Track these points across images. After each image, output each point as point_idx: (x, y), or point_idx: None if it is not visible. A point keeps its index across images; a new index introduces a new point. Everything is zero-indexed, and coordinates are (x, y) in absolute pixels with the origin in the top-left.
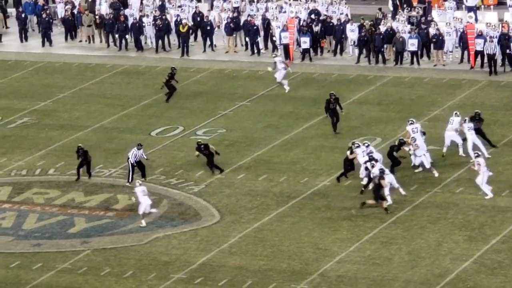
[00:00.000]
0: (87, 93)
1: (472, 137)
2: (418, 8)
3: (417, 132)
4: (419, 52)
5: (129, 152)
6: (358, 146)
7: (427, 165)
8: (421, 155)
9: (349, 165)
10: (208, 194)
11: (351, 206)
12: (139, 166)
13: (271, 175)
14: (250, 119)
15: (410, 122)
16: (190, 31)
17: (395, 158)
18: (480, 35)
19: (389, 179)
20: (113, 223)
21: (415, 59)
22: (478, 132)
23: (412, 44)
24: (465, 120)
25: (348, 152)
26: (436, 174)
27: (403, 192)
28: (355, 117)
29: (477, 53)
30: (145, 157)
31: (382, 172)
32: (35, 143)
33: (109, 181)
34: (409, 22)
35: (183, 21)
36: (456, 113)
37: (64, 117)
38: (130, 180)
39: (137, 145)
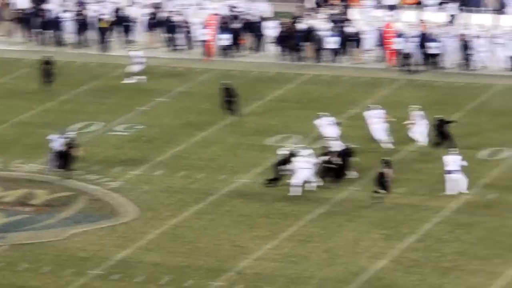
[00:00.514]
0: (5, 88)
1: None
2: (338, 7)
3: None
4: (338, 50)
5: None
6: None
7: None
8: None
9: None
10: (126, 190)
11: (268, 204)
12: (62, 156)
13: (189, 172)
14: (168, 116)
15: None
16: (110, 26)
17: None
18: (398, 34)
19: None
20: (31, 218)
21: (334, 57)
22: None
23: (332, 42)
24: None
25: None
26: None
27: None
28: (273, 115)
29: (396, 51)
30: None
31: (387, 162)
32: None
33: (27, 176)
34: (329, 20)
35: (103, 17)
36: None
37: None
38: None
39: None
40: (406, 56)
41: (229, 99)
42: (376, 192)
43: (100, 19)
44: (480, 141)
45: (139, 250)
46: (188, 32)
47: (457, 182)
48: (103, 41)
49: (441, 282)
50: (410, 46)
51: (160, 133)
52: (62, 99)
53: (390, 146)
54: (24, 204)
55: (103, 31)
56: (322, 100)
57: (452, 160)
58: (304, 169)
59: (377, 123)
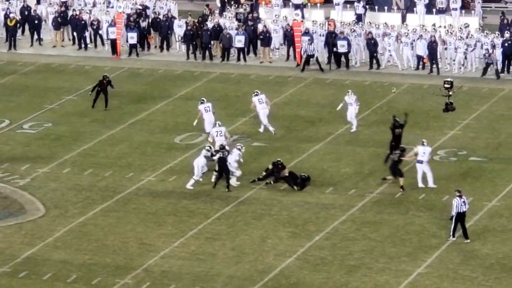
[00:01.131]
0: None
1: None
2: (245, 5)
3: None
4: (245, 49)
5: None
6: None
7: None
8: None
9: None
10: (33, 188)
11: (176, 202)
12: None
13: (97, 169)
14: (76, 114)
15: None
16: (18, 25)
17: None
18: (306, 33)
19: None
20: None
21: (241, 55)
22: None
23: (239, 41)
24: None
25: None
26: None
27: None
28: (181, 113)
29: (303, 50)
30: None
31: (403, 150)
32: None
33: None
34: (236, 19)
35: (11, 15)
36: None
37: None
38: None
39: None
40: (311, 56)
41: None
42: (384, 179)
43: (7, 17)
44: (387, 139)
45: (46, 248)
46: (96, 30)
47: (425, 173)
48: (11, 39)
49: (348, 280)
50: (318, 45)
51: (68, 131)
52: None
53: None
54: None
55: (10, 29)
56: (229, 98)
57: (423, 151)
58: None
59: (262, 108)
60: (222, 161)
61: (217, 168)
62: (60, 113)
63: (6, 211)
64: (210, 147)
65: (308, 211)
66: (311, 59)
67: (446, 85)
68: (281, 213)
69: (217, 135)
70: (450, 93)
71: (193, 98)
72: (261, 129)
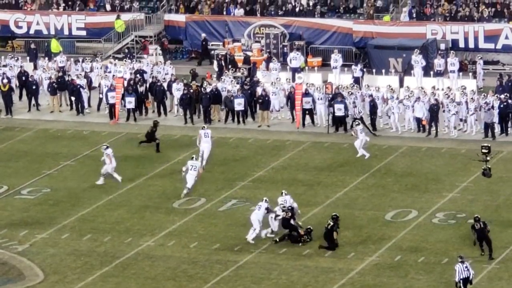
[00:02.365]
0: None
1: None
2: (243, 69)
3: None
4: (245, 112)
5: None
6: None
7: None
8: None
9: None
10: (32, 253)
11: (175, 266)
12: None
13: (95, 235)
14: (74, 179)
15: None
16: (12, 90)
17: None
18: (307, 93)
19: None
20: None
21: (241, 118)
22: None
23: (239, 104)
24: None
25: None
26: None
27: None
28: (179, 177)
29: (304, 111)
30: None
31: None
32: None
33: None
34: (236, 83)
35: (4, 81)
36: None
37: None
38: None
39: None
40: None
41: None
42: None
43: (0, 82)
44: (386, 202)
45: None
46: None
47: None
48: (6, 105)
49: None
50: (318, 108)
51: (66, 196)
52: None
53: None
54: None
55: (4, 95)
56: (227, 163)
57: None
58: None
59: (205, 142)
60: (286, 222)
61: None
62: (58, 179)
63: (4, 277)
64: (266, 200)
65: (308, 275)
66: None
67: (484, 150)
68: (280, 277)
69: None
70: (488, 158)
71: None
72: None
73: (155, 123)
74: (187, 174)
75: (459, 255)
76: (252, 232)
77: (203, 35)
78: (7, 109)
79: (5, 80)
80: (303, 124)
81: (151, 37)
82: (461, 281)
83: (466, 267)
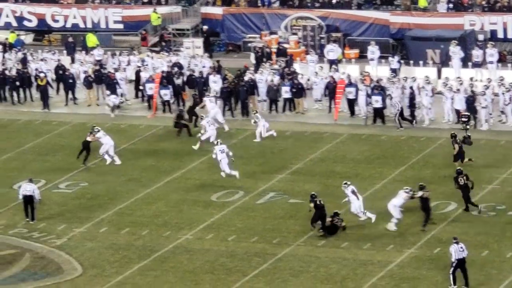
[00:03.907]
0: None
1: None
2: (280, 61)
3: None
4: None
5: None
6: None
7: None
8: None
9: None
10: (70, 247)
11: (213, 260)
12: (29, 204)
13: (134, 228)
14: (112, 173)
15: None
16: (49, 84)
17: None
18: (350, 84)
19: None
20: None
21: (288, 106)
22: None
23: (286, 92)
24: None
25: None
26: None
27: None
28: (217, 170)
29: (349, 101)
30: (38, 196)
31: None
32: None
33: None
34: (277, 74)
35: (41, 74)
36: None
37: None
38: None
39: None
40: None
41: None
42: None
43: (37, 77)
44: None
45: None
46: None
47: None
48: (43, 99)
49: None
50: (360, 99)
51: (104, 190)
52: (5, 157)
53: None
54: None
55: (41, 89)
56: (265, 155)
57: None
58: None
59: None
60: (425, 201)
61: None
62: (96, 172)
63: (43, 271)
64: (410, 189)
65: (346, 268)
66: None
67: (463, 119)
68: (319, 270)
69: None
70: (468, 126)
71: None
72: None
73: (179, 115)
74: (221, 160)
75: (454, 237)
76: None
77: (205, 27)
78: (44, 103)
79: (42, 74)
80: (352, 113)
81: (187, 30)
82: (456, 261)
83: (461, 247)
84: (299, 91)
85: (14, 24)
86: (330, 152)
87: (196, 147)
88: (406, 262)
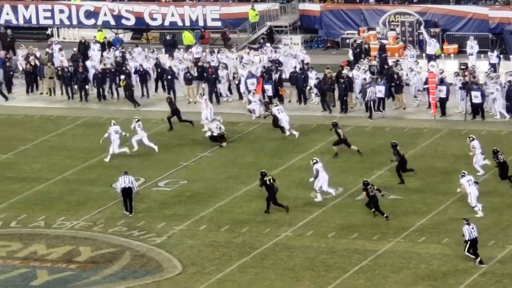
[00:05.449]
0: (48, 146)
1: None
2: (378, 57)
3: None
4: (385, 99)
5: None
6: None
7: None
8: None
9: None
10: (170, 245)
11: (313, 256)
12: (127, 197)
13: (233, 226)
14: (211, 170)
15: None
16: (128, 86)
17: None
18: (441, 82)
19: None
20: (76, 275)
21: (381, 105)
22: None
23: (379, 91)
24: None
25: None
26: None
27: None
28: None
29: (441, 100)
30: (136, 187)
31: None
32: None
33: (71, 233)
34: (370, 72)
35: (122, 76)
36: None
37: (25, 170)
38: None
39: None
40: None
41: None
42: None
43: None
44: None
45: None
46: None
47: None
48: (130, 99)
49: None
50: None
51: (203, 188)
52: (105, 156)
53: None
54: (68, 261)
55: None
56: (364, 151)
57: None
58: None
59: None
60: None
61: None
62: (195, 170)
63: (143, 269)
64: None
65: (447, 264)
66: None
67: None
68: (419, 266)
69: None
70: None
71: (327, 153)
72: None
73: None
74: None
75: (464, 218)
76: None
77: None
78: (133, 103)
79: (122, 76)
80: (443, 113)
81: (285, 27)
82: (469, 241)
83: (473, 228)
84: (398, 86)
85: (112, 22)
86: (429, 148)
87: (295, 134)
88: (508, 258)
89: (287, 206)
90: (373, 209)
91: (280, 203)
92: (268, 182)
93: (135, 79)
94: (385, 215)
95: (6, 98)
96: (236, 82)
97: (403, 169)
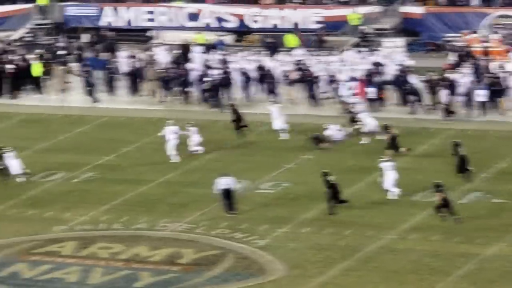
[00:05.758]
0: (151, 147)
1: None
2: (479, 60)
3: None
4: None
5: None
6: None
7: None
8: None
9: None
10: (273, 248)
11: (417, 259)
12: (228, 198)
13: (336, 228)
14: (314, 173)
15: None
16: (215, 88)
17: None
18: None
19: None
20: (179, 278)
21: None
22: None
23: (481, 95)
24: None
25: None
26: None
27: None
28: (420, 170)
29: None
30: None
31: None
32: (99, 197)
33: (173, 236)
34: (476, 73)
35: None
36: None
37: (128, 172)
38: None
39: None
40: None
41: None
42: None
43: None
44: None
45: None
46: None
47: None
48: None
49: None
50: None
51: (306, 190)
52: (207, 158)
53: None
54: (171, 263)
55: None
56: (468, 155)
57: None
58: None
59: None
60: None
61: None
62: (298, 172)
63: (246, 271)
64: None
65: None
66: None
67: None
68: None
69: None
70: None
71: (428, 156)
72: None
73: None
74: None
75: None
76: None
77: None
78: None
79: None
80: None
81: (387, 29)
82: None
83: None
84: (498, 90)
85: (214, 25)
86: None
87: (363, 141)
88: None
89: (347, 200)
90: (443, 213)
91: (342, 199)
92: (330, 182)
93: (238, 81)
94: (457, 217)
95: (98, 101)
96: (336, 85)
97: (462, 169)
